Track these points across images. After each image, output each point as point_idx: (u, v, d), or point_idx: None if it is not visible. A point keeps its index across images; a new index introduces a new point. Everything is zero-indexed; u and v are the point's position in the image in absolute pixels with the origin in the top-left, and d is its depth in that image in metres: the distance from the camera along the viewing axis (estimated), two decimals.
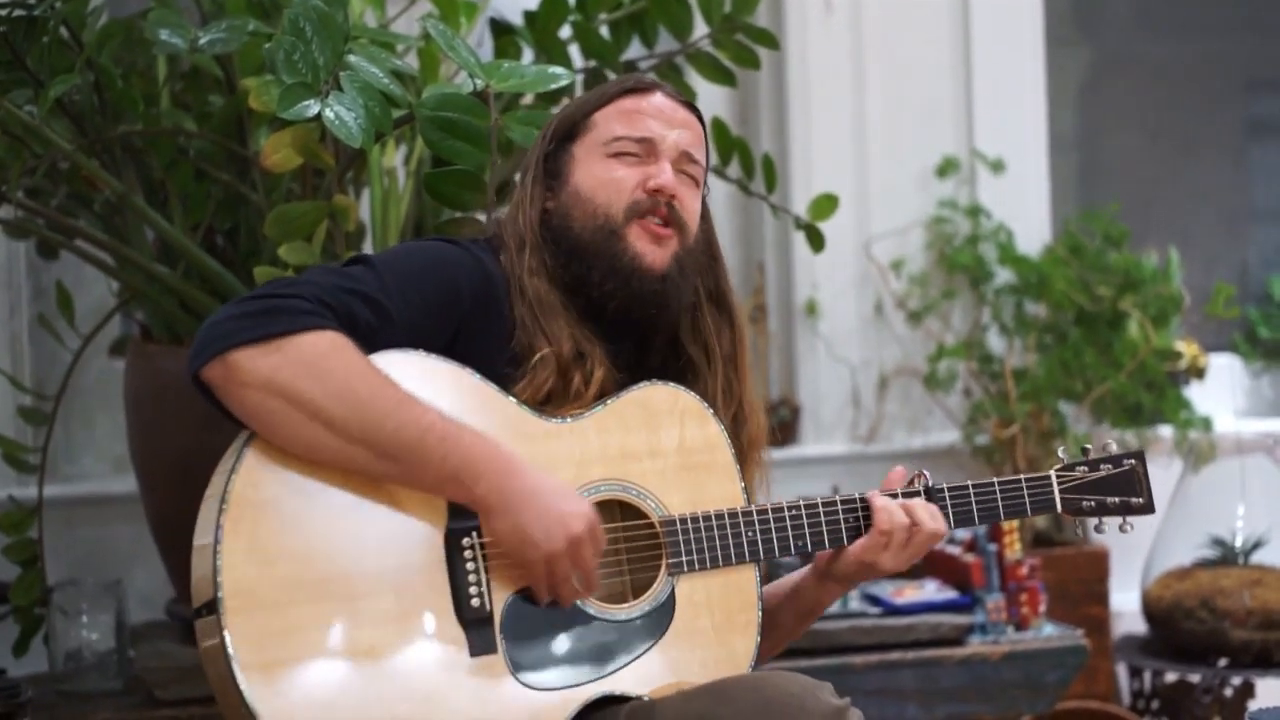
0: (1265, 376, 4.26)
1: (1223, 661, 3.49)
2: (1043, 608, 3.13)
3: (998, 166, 3.89)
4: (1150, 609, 3.60)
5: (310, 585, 1.85)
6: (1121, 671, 3.73)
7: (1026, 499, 2.21)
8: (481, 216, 2.43)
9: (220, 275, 2.67)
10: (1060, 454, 2.29)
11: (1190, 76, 4.44)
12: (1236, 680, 3.46)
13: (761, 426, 2.22)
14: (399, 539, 1.92)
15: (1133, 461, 2.27)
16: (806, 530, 2.12)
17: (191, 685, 2.70)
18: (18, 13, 2.48)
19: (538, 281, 2.09)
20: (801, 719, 1.86)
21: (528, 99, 2.69)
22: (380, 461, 1.87)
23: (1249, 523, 3.64)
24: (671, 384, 2.13)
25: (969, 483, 2.19)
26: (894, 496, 2.15)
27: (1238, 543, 3.62)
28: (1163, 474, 3.83)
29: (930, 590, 3.13)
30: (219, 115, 2.74)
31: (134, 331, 3.07)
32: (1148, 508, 2.27)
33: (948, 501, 2.17)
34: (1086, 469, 2.25)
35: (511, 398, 2.02)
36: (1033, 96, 3.98)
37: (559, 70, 2.47)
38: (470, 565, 1.93)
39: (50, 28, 2.51)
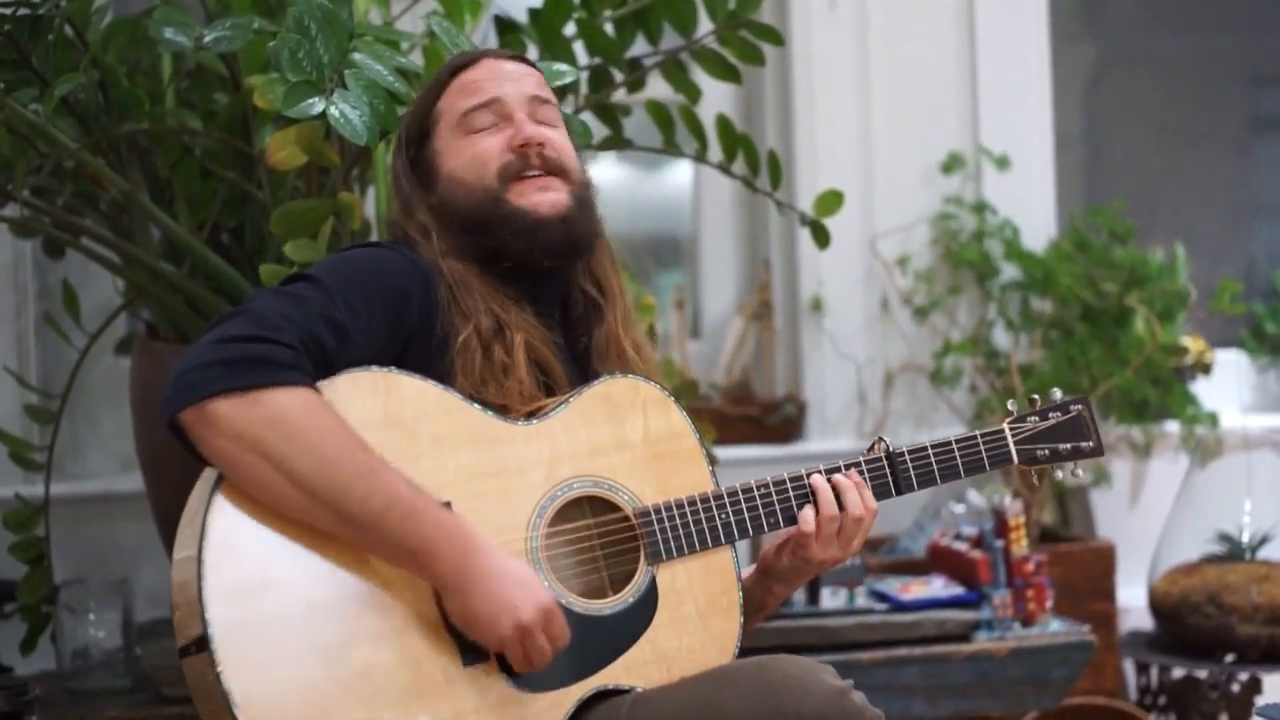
0: (1271, 371, 4.25)
1: (1230, 657, 3.48)
2: (1049, 603, 3.13)
3: (1003, 162, 3.89)
4: (1157, 604, 3.60)
5: (300, 610, 1.84)
6: (1128, 667, 3.73)
7: (984, 454, 2.24)
8: None
9: (226, 273, 2.67)
10: (1010, 406, 2.30)
11: (1195, 72, 4.44)
12: (1243, 675, 3.46)
13: (651, 360, 2.24)
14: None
15: (1079, 407, 2.30)
16: (777, 506, 2.14)
17: None
18: (22, 12, 2.48)
19: (453, 262, 2.09)
20: (804, 700, 1.87)
21: None
22: (343, 526, 1.86)
23: (1256, 518, 3.63)
24: (631, 375, 2.14)
25: (927, 443, 2.21)
26: (854, 466, 2.17)
27: (1244, 538, 3.61)
28: (1169, 469, 3.86)
29: (937, 586, 3.13)
30: (224, 113, 2.74)
31: (140, 329, 3.07)
32: (1097, 450, 2.29)
33: (909, 464, 2.20)
34: (1037, 419, 2.28)
35: (476, 405, 2.01)
36: (1038, 92, 3.97)
37: (563, 67, 2.47)
38: None
39: (55, 27, 2.52)
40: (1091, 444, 2.29)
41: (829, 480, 2.16)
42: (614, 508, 2.08)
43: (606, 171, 3.72)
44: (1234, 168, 4.50)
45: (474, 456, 1.98)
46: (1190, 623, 3.51)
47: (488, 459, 1.98)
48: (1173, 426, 3.85)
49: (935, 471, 2.21)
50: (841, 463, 2.19)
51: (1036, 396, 2.30)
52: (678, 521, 2.08)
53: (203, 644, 1.80)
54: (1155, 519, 3.78)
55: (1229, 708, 3.44)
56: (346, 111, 2.18)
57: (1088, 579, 3.60)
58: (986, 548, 3.11)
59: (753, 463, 3.30)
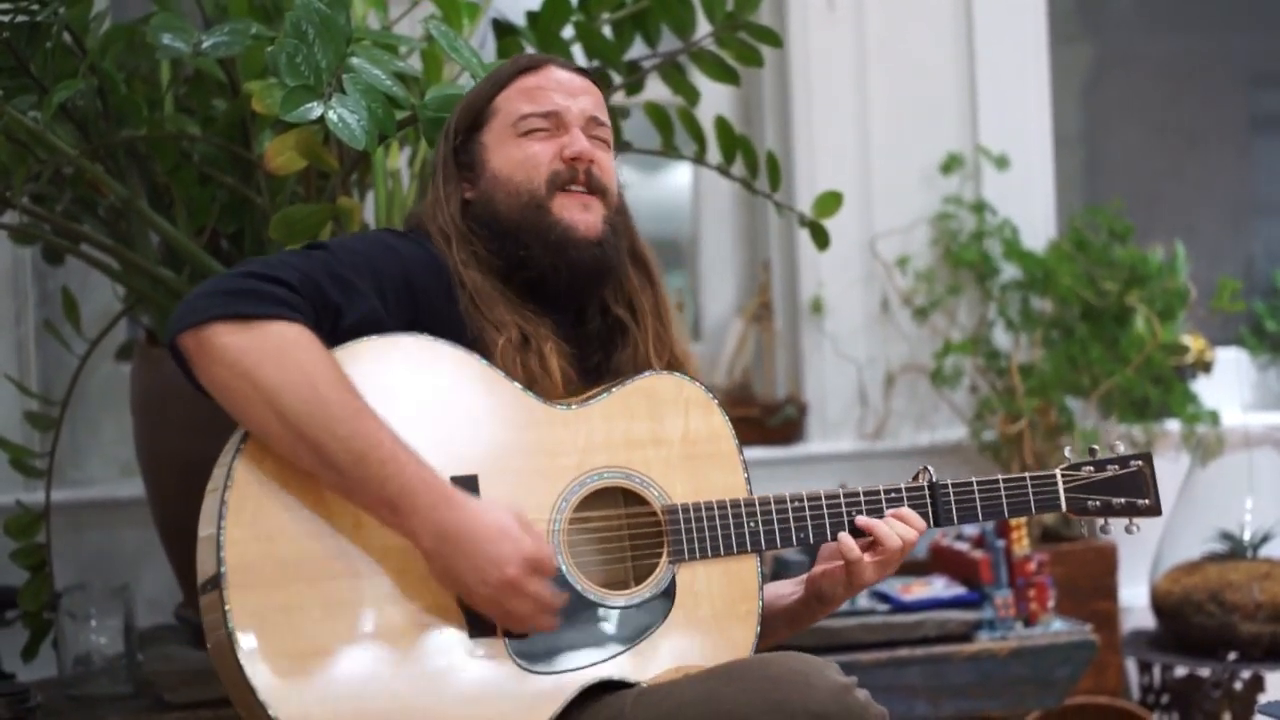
0: (1272, 370, 4.25)
1: (1232, 655, 3.48)
2: (1051, 603, 3.13)
3: (1002, 162, 3.89)
4: (1159, 603, 3.59)
5: (312, 564, 1.87)
6: (1131, 666, 3.73)
7: (1031, 497, 2.21)
8: None
9: None
10: (1066, 453, 2.28)
11: (1194, 71, 4.44)
12: (1246, 674, 3.46)
13: (696, 371, 2.23)
14: None
15: (1140, 463, 2.27)
16: (809, 522, 2.13)
17: (201, 689, 2.70)
18: (21, 19, 2.48)
19: (472, 273, 2.10)
20: (809, 694, 1.87)
21: None
22: (323, 467, 1.87)
23: (1257, 516, 3.63)
24: (677, 374, 2.15)
25: (973, 479, 2.19)
26: (895, 495, 2.16)
27: (1246, 536, 3.61)
28: (1170, 468, 3.85)
29: (938, 587, 3.13)
30: (223, 119, 2.74)
31: (140, 336, 3.07)
32: (1154, 510, 2.26)
33: (951, 497, 2.17)
34: (1093, 469, 2.25)
35: (516, 383, 2.03)
36: (1037, 92, 3.97)
37: None
38: None
39: (53, 33, 2.52)
40: (1149, 502, 2.26)
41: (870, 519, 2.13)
42: (644, 502, 2.08)
43: None
44: (1233, 166, 4.50)
45: (508, 434, 1.99)
46: (1192, 621, 3.51)
47: (522, 438, 1.99)
48: (1173, 425, 3.85)
49: (978, 508, 2.19)
50: (883, 487, 2.16)
51: (1096, 448, 2.27)
52: (704, 523, 2.08)
53: (215, 582, 1.84)
54: (1157, 518, 3.78)
55: (1231, 706, 3.44)
56: (345, 116, 2.18)
57: (1089, 578, 3.60)
58: (988, 547, 3.11)
59: (754, 464, 3.25)
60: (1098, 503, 2.24)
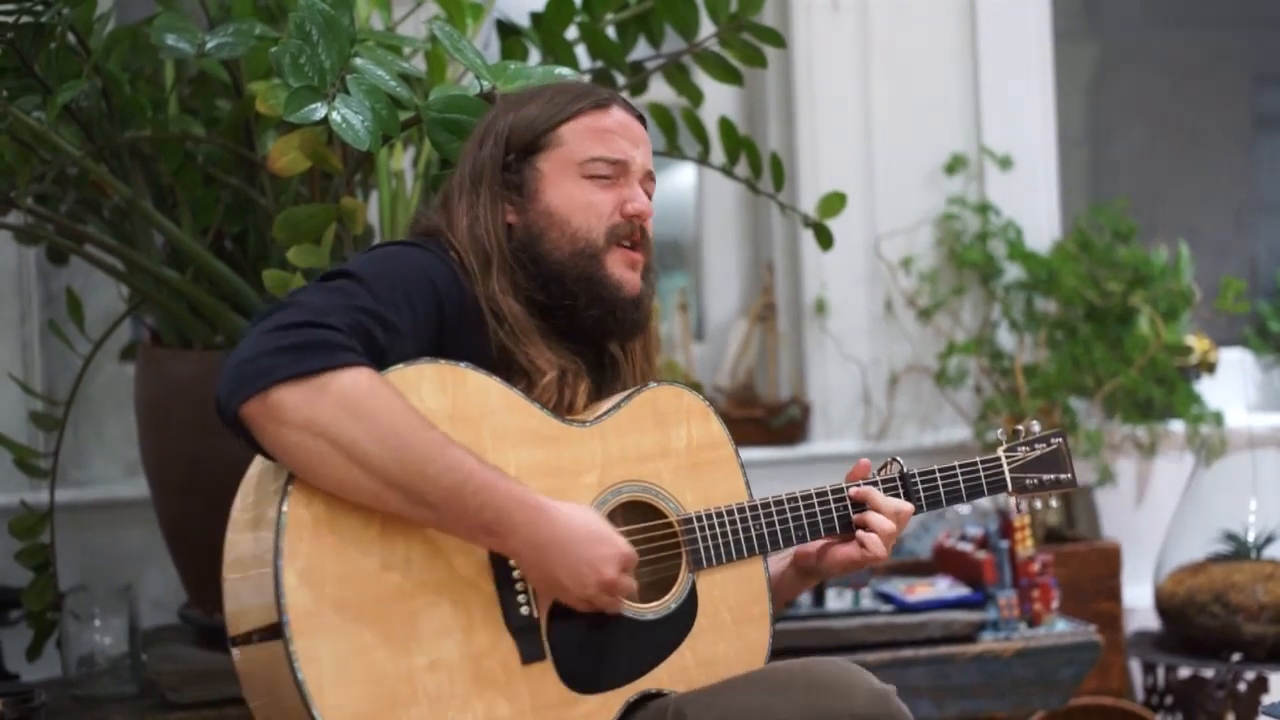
0: (1276, 370, 4.25)
1: (1236, 656, 3.48)
2: (1055, 604, 3.13)
3: (1006, 163, 3.88)
4: (1163, 604, 3.59)
5: (370, 605, 1.85)
6: (1135, 667, 3.73)
7: (983, 480, 2.30)
8: None
9: (229, 279, 2.68)
10: (999, 435, 2.36)
11: (1198, 70, 4.44)
12: (1250, 675, 3.46)
13: None
14: (446, 549, 1.91)
15: (1059, 440, 2.36)
16: (804, 521, 2.17)
17: (204, 688, 2.71)
18: (25, 19, 2.48)
19: (511, 303, 2.07)
20: (851, 695, 1.92)
21: None
22: (415, 507, 1.85)
23: (1261, 517, 3.63)
24: (676, 384, 2.17)
25: (935, 468, 2.27)
26: (874, 486, 2.22)
27: (1250, 537, 3.61)
28: (1174, 469, 3.86)
29: (942, 587, 3.13)
30: (227, 119, 2.75)
31: (144, 336, 3.07)
32: (1072, 483, 2.37)
33: (919, 488, 2.25)
34: (1027, 449, 2.34)
35: (534, 403, 2.03)
36: (1040, 92, 3.97)
37: (565, 71, 2.47)
38: (517, 572, 1.95)
39: (58, 34, 2.52)
40: (1068, 476, 2.36)
41: (867, 501, 2.20)
42: (657, 513, 2.10)
43: None
44: (1237, 166, 4.50)
45: (534, 454, 1.99)
46: (1196, 622, 3.51)
47: (546, 457, 2.00)
48: (1177, 426, 3.85)
49: (941, 495, 2.27)
50: (861, 482, 2.22)
51: (1020, 427, 2.36)
52: (718, 530, 2.12)
53: (275, 631, 1.80)
54: (1161, 518, 3.78)
55: (1235, 707, 3.43)
56: (349, 117, 2.17)
57: (1093, 579, 3.59)
58: (992, 548, 3.11)
59: (758, 465, 3.27)
60: (1035, 480, 2.33)
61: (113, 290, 3.17)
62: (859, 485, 2.21)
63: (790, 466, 3.70)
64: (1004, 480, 2.30)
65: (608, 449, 2.07)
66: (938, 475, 2.26)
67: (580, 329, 2.13)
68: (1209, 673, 3.48)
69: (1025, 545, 3.11)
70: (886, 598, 3.11)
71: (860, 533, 2.18)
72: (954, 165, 3.87)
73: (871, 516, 2.18)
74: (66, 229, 2.79)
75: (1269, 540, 3.59)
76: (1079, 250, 3.83)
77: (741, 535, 2.13)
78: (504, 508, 1.88)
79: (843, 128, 3.83)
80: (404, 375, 1.91)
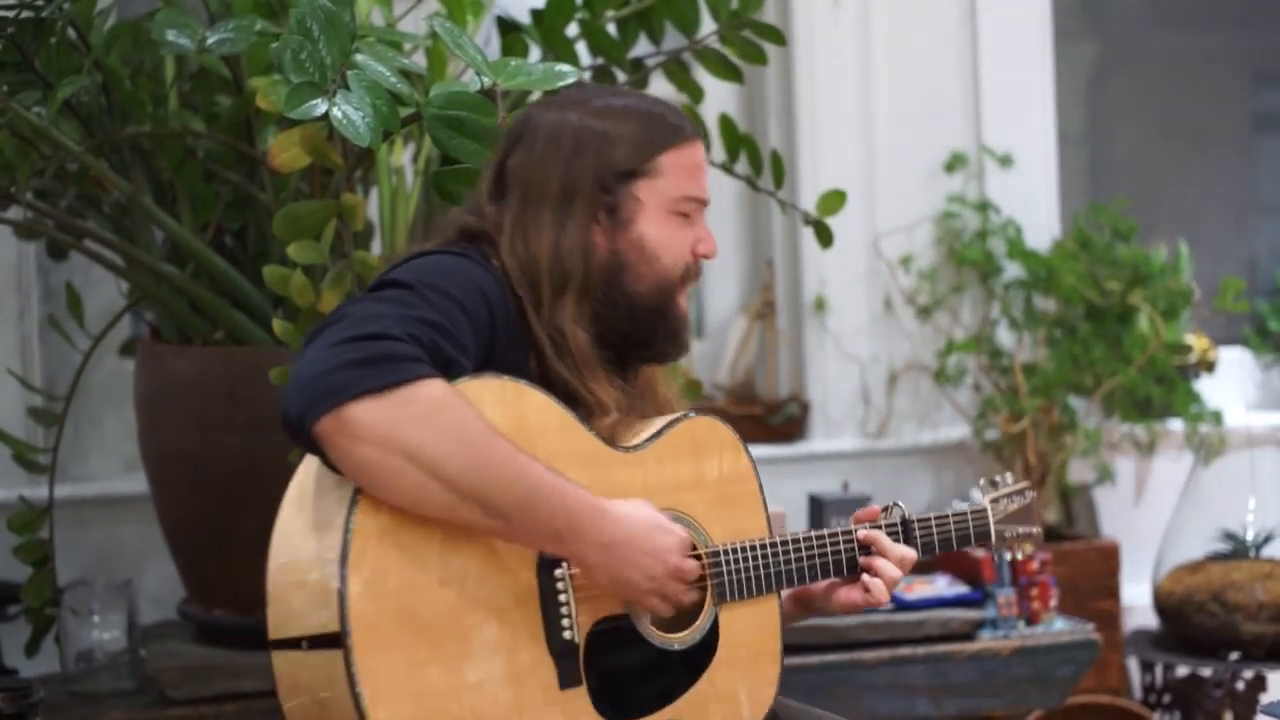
0: (1275, 369, 4.25)
1: (1234, 655, 3.48)
2: (1054, 602, 3.13)
3: (1006, 161, 3.88)
4: (1161, 603, 3.59)
5: (427, 621, 1.83)
6: (1133, 666, 3.73)
7: (972, 531, 2.32)
8: None
9: (229, 275, 2.68)
10: (980, 486, 2.38)
11: (1198, 69, 4.44)
12: (1248, 674, 3.46)
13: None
14: (497, 567, 1.90)
15: (1033, 493, 2.41)
16: (817, 560, 2.17)
17: (203, 684, 2.71)
18: (25, 14, 2.48)
19: (580, 333, 2.03)
20: None
21: (535, 97, 2.68)
22: (488, 518, 1.83)
23: (1260, 516, 3.63)
24: (711, 416, 2.15)
25: (931, 515, 2.28)
26: (877, 529, 2.22)
27: (1249, 536, 3.61)
28: (1173, 468, 3.86)
29: (941, 585, 3.13)
30: (227, 115, 2.74)
31: (143, 332, 3.07)
32: (1041, 536, 2.41)
33: (916, 534, 2.25)
34: (1008, 500, 2.37)
35: (585, 426, 2.01)
36: (1041, 91, 3.97)
37: (566, 68, 2.46)
38: (563, 596, 1.94)
39: (58, 29, 2.52)
40: (1039, 530, 2.40)
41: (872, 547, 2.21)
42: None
43: None
44: (1237, 165, 4.50)
45: (585, 477, 1.96)
46: (1195, 621, 3.51)
47: (596, 481, 1.97)
48: (1176, 425, 3.85)
49: (935, 542, 2.28)
50: (868, 525, 2.22)
51: (998, 478, 2.38)
52: (744, 565, 2.11)
53: (334, 641, 1.78)
54: (1159, 517, 3.78)
55: (1234, 706, 3.44)
56: (349, 113, 2.17)
57: (1092, 577, 3.60)
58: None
59: (757, 462, 3.28)
60: (1013, 533, 2.37)
61: (112, 286, 3.17)
62: (866, 528, 2.21)
63: (789, 464, 3.70)
64: (989, 532, 2.32)
65: (648, 477, 2.05)
66: (933, 523, 2.27)
67: (629, 359, 2.12)
68: (1207, 671, 3.48)
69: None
70: None
71: (866, 577, 2.17)
72: (954, 163, 3.87)
73: (879, 562, 2.17)
74: (66, 224, 2.79)
75: (1268, 539, 3.60)
76: (1078, 249, 3.83)
77: (763, 571, 2.12)
78: (573, 513, 1.88)
79: (843, 125, 3.83)
80: (470, 387, 1.88)
